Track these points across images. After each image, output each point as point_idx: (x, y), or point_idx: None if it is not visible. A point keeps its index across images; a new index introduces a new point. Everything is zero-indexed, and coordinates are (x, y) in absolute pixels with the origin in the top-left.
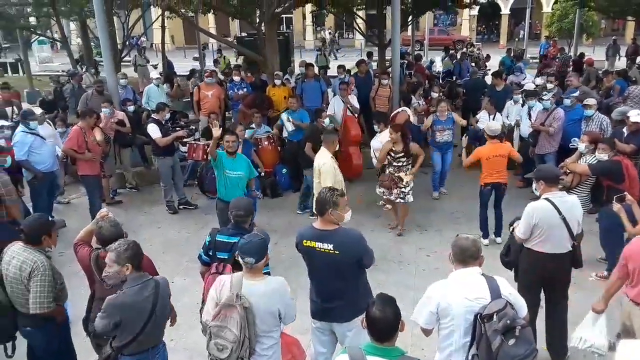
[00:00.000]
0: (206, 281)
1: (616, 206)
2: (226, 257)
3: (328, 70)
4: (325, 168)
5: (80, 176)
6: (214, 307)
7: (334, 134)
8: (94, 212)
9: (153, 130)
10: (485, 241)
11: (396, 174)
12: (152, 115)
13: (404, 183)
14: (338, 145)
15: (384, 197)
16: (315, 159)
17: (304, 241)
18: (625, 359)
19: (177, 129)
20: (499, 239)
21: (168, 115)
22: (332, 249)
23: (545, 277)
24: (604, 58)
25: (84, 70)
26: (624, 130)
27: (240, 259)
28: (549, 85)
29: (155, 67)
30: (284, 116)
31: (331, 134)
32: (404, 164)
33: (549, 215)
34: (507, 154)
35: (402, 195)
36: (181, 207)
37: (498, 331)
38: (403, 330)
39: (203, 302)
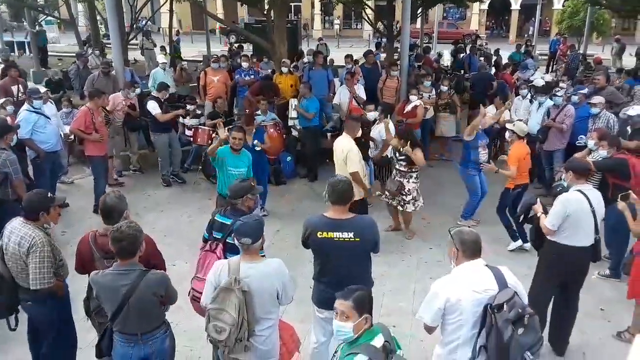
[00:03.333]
0: (199, 256)
1: (621, 204)
2: (219, 236)
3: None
4: (351, 155)
5: (87, 156)
6: (213, 291)
7: (358, 122)
8: (99, 193)
9: (153, 107)
10: (527, 245)
11: (398, 178)
12: (152, 93)
13: (405, 190)
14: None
15: (386, 199)
16: (338, 144)
17: (319, 233)
18: None
19: (176, 107)
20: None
21: (167, 95)
22: (352, 237)
23: (567, 271)
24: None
25: (90, 51)
26: (628, 128)
27: (236, 241)
28: (562, 85)
29: (163, 49)
30: (292, 101)
31: (355, 121)
32: (408, 170)
33: (582, 207)
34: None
35: (402, 203)
36: (172, 177)
37: (509, 320)
38: None
39: (194, 277)
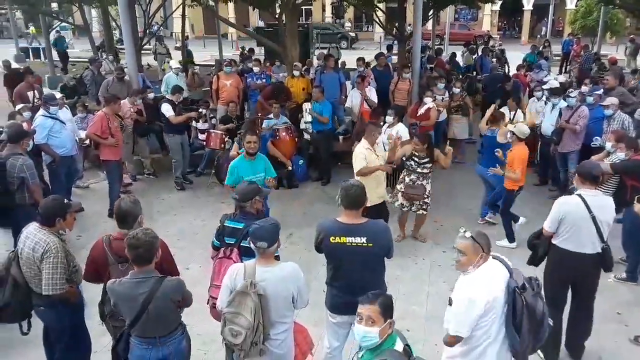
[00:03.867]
0: (213, 264)
1: (637, 206)
2: (233, 242)
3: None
4: (355, 156)
5: (102, 161)
6: (229, 295)
7: (378, 127)
8: (114, 197)
9: (166, 109)
10: (514, 245)
11: (420, 182)
12: (166, 96)
13: (427, 192)
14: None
15: (402, 209)
16: (354, 150)
17: (332, 238)
18: None
19: (190, 110)
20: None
21: (181, 99)
22: (365, 242)
23: (570, 275)
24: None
25: (104, 57)
26: None
27: (252, 245)
28: (584, 88)
29: (168, 54)
30: (306, 105)
31: (374, 125)
32: (429, 172)
33: (577, 211)
34: None
35: (424, 207)
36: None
37: (537, 293)
38: None
39: (210, 285)
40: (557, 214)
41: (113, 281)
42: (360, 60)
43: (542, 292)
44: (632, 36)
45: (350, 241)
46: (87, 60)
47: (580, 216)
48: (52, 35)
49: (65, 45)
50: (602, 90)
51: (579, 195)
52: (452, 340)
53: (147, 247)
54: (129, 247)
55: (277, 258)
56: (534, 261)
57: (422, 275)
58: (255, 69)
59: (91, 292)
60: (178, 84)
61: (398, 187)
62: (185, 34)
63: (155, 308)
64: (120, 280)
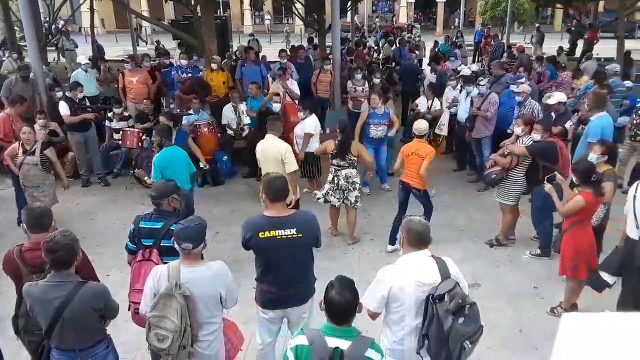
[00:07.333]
0: (132, 268)
1: (547, 186)
2: (151, 243)
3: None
4: (289, 154)
5: (7, 167)
6: (152, 298)
7: (279, 121)
8: (21, 205)
9: (63, 108)
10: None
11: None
12: (66, 93)
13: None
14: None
15: (330, 202)
16: (270, 145)
17: (261, 233)
18: None
19: (88, 110)
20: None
21: (81, 95)
22: (294, 233)
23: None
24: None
25: (6, 55)
26: (552, 114)
27: (176, 245)
28: (524, 80)
29: (73, 49)
30: (242, 106)
31: (276, 121)
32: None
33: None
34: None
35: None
36: (98, 181)
37: (450, 311)
38: (361, 311)
39: (131, 290)
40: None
41: (29, 284)
42: (283, 52)
43: (467, 314)
44: (537, 25)
45: (280, 234)
46: None
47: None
48: None
49: None
50: (524, 79)
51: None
52: (369, 313)
53: (67, 250)
54: (47, 251)
55: (201, 257)
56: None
57: (352, 264)
58: (183, 62)
59: (5, 305)
60: (86, 82)
61: (329, 186)
62: (96, 28)
63: (71, 315)
64: (36, 283)
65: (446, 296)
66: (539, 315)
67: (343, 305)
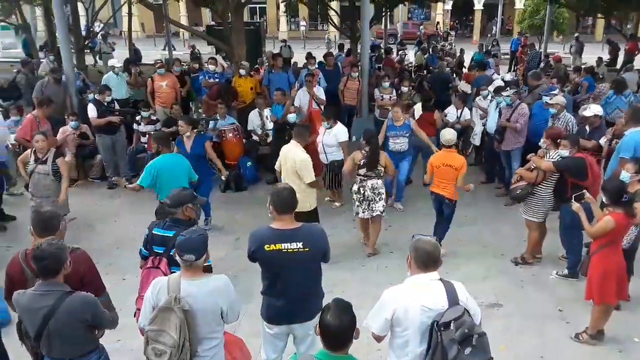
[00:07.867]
0: (142, 274)
1: (575, 205)
2: (162, 251)
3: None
4: (307, 164)
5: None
6: (151, 311)
7: (307, 129)
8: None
9: (90, 109)
10: None
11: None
12: (95, 96)
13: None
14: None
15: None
16: (289, 153)
17: (267, 246)
18: None
19: (115, 113)
20: None
21: (109, 98)
22: (301, 247)
23: None
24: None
25: (45, 57)
26: (586, 127)
27: (178, 257)
28: (557, 92)
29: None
30: (266, 112)
31: (305, 130)
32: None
33: None
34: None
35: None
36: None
37: (455, 340)
38: (358, 337)
39: (138, 296)
40: None
41: (18, 292)
42: (311, 58)
43: (474, 344)
44: (576, 35)
45: (287, 247)
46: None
47: None
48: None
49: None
50: (557, 90)
51: None
52: (373, 336)
53: (54, 258)
54: (34, 259)
55: (210, 269)
56: None
57: (370, 276)
58: (211, 67)
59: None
60: (117, 86)
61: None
62: (135, 32)
63: (57, 325)
64: (24, 292)
65: (452, 324)
66: (562, 339)
67: (338, 331)
